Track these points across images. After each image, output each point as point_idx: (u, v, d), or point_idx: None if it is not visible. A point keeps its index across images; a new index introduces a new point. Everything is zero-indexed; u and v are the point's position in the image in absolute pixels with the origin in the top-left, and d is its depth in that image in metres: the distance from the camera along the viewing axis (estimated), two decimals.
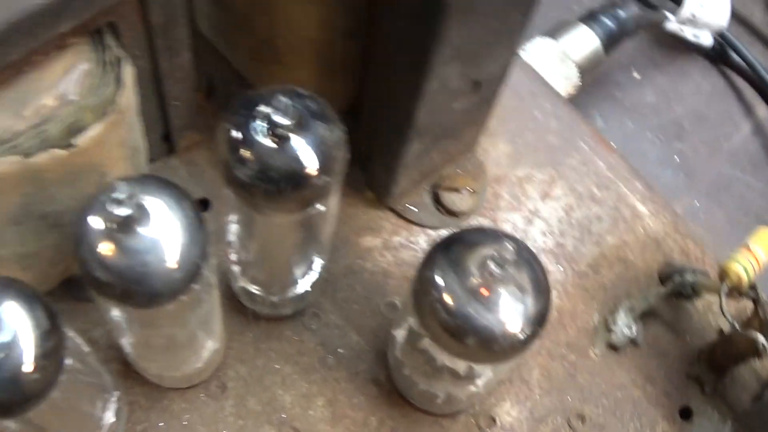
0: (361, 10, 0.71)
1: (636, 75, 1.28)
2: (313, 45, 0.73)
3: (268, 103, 0.60)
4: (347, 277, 0.84)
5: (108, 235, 0.56)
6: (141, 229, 0.56)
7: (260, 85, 0.78)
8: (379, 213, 0.87)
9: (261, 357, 0.79)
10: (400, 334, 0.74)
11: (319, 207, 0.65)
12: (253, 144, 0.59)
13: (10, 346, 0.54)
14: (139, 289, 0.56)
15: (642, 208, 0.92)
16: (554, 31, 1.14)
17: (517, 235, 0.84)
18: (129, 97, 0.66)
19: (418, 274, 0.66)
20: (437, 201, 0.87)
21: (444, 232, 0.86)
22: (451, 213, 0.86)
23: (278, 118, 0.58)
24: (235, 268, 0.76)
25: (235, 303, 0.80)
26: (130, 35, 0.69)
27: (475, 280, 0.62)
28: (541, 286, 0.64)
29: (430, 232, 0.87)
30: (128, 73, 0.66)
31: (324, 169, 0.61)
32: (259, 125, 0.59)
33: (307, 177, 0.60)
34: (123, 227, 0.55)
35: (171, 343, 0.69)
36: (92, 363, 0.68)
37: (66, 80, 0.63)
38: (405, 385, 0.77)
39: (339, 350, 0.81)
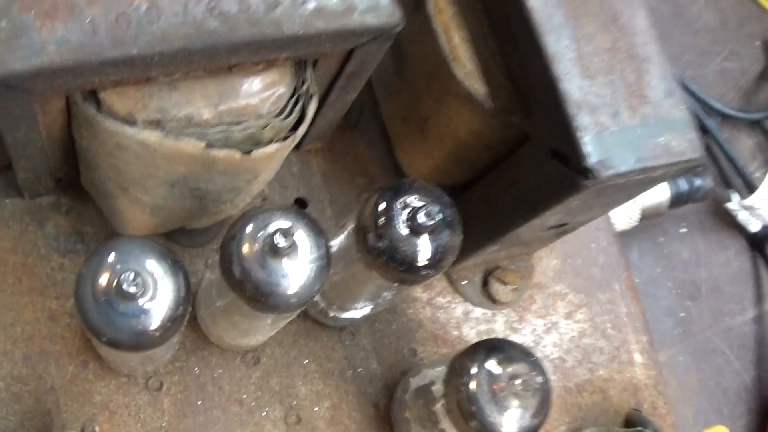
0: (509, 139, 0.84)
1: (683, 230, 1.42)
2: (457, 140, 0.85)
3: (420, 198, 0.73)
4: (389, 313, 0.97)
5: (262, 254, 0.69)
6: (286, 258, 0.70)
7: (395, 139, 0.93)
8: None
9: (296, 348, 0.93)
10: (415, 382, 0.89)
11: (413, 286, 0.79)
12: (392, 226, 0.73)
13: (151, 306, 0.67)
14: (267, 301, 0.70)
15: (638, 358, 1.07)
16: None
17: (534, 338, 1.00)
18: (305, 128, 0.79)
19: (459, 358, 0.81)
20: (485, 284, 1.01)
21: (479, 311, 1.01)
22: (491, 299, 1.01)
23: (422, 218, 0.72)
24: None
25: None
26: (324, 72, 0.80)
27: (500, 388, 0.77)
28: (545, 410, 0.80)
29: (469, 306, 1.01)
30: (312, 108, 0.78)
31: (435, 266, 0.75)
32: (404, 213, 0.73)
33: (419, 269, 0.74)
34: (276, 253, 0.69)
35: (250, 330, 0.83)
36: None
37: (264, 96, 0.74)
38: (398, 420, 0.92)
39: (358, 369, 0.94)
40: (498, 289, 0.99)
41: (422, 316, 0.98)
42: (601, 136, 0.72)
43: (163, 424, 0.88)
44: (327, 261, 0.71)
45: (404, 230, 0.72)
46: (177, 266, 0.69)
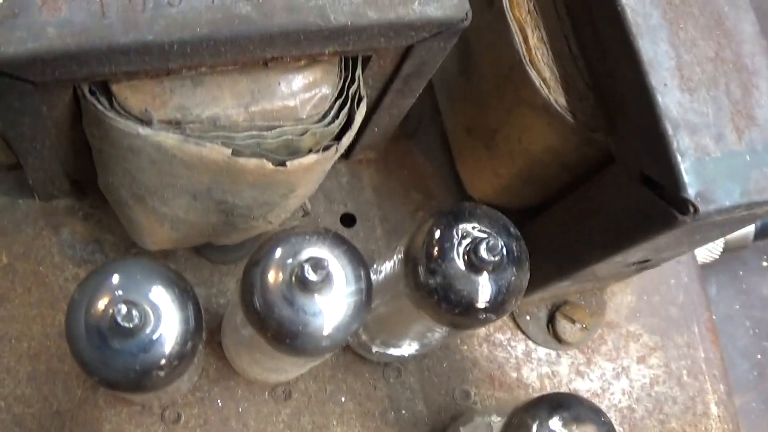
0: (588, 158, 0.69)
1: (765, 263, 1.26)
2: (530, 157, 0.72)
3: (483, 229, 0.59)
4: (441, 350, 0.83)
5: (289, 287, 0.55)
6: (317, 293, 0.56)
7: (458, 152, 0.78)
8: None
9: (333, 384, 0.80)
10: (465, 431, 0.74)
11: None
12: (448, 260, 0.59)
13: (154, 342, 0.54)
14: (293, 344, 0.56)
15: (714, 410, 0.91)
16: None
17: (602, 384, 0.85)
18: (351, 137, 0.65)
19: (518, 413, 0.66)
20: (550, 321, 0.86)
21: (542, 351, 0.86)
22: (556, 337, 0.86)
23: (484, 252, 0.57)
24: None
25: None
26: (377, 72, 0.67)
27: None
28: None
29: (531, 344, 0.86)
30: (362, 113, 0.65)
31: (494, 310, 0.60)
32: (463, 245, 0.59)
33: (477, 313, 0.59)
34: (306, 287, 0.55)
35: (279, 368, 0.69)
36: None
37: (304, 97, 0.62)
38: None
39: (402, 411, 0.81)
40: (565, 327, 0.85)
41: (478, 354, 0.84)
42: (702, 163, 0.60)
43: None
44: (367, 297, 0.57)
45: (462, 266, 0.58)
46: (185, 295, 0.57)
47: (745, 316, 1.21)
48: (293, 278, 0.55)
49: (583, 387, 0.86)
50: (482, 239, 0.57)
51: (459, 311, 0.59)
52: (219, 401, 0.77)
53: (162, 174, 0.63)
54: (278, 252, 0.57)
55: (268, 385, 0.78)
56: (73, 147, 0.68)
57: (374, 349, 0.76)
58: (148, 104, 0.59)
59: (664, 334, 0.91)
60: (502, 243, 0.58)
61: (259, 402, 0.78)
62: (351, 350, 0.80)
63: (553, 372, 0.86)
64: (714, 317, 1.00)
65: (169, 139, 0.59)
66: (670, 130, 0.59)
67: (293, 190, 0.66)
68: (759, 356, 1.20)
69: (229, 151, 0.60)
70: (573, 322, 0.86)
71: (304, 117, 0.62)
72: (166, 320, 0.55)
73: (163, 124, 0.59)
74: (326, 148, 0.63)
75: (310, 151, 0.63)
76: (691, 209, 0.58)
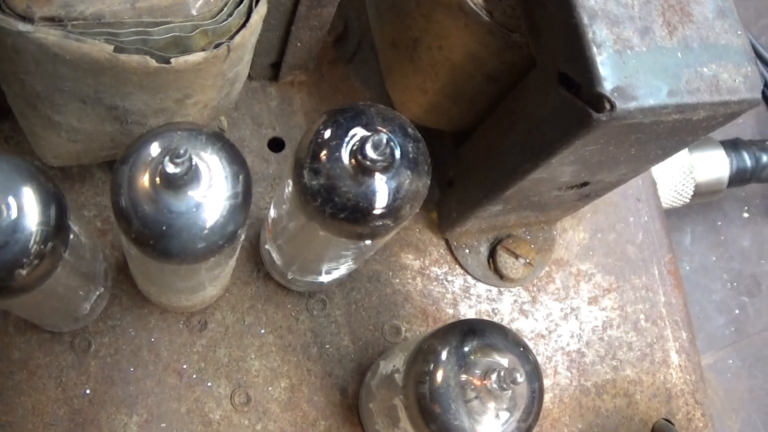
0: (511, 66, 0.63)
1: (745, 215, 1.18)
2: (452, 67, 0.66)
3: (369, 128, 0.53)
4: (370, 282, 0.78)
5: (153, 188, 0.50)
6: (188, 189, 0.51)
7: (386, 71, 0.73)
8: (433, 238, 0.80)
9: (252, 315, 0.75)
10: (384, 366, 0.69)
11: (368, 242, 0.59)
12: (334, 161, 0.53)
13: (12, 238, 0.50)
14: (169, 247, 0.51)
15: (674, 358, 0.85)
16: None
17: (548, 325, 0.79)
18: (248, 36, 0.60)
19: (427, 340, 0.61)
20: (491, 256, 0.80)
21: (482, 287, 0.80)
22: (497, 273, 0.80)
23: (370, 150, 0.52)
24: (267, 232, 0.70)
25: (254, 252, 0.75)
26: None
27: (473, 383, 0.57)
28: (530, 420, 0.59)
29: (470, 279, 0.80)
30: (260, 13, 0.60)
31: (391, 216, 0.54)
32: (350, 146, 0.53)
33: (369, 218, 0.54)
34: (171, 184, 0.50)
35: (175, 286, 0.64)
36: (89, 257, 0.63)
37: None
38: (364, 413, 0.73)
39: (326, 346, 0.76)
40: (507, 262, 0.79)
41: (411, 287, 0.78)
42: (622, 56, 0.54)
43: (87, 391, 0.72)
44: (245, 198, 0.52)
45: (348, 166, 0.52)
46: (47, 192, 0.52)
47: (722, 269, 1.14)
48: (157, 174, 0.50)
49: (527, 327, 0.80)
50: (368, 137, 0.52)
51: (345, 216, 0.53)
52: (131, 330, 0.73)
53: (48, 76, 0.58)
54: (145, 148, 0.51)
55: (183, 315, 0.73)
56: None
57: (290, 276, 0.71)
58: (31, 1, 0.54)
59: (620, 274, 0.85)
60: (391, 140, 0.52)
61: (173, 332, 0.73)
62: (273, 281, 0.75)
63: (493, 310, 0.80)
64: (687, 268, 0.95)
65: (49, 36, 0.54)
66: (585, 20, 0.53)
67: (188, 95, 0.61)
68: (737, 311, 1.13)
69: (111, 48, 0.55)
70: (516, 256, 0.80)
71: (195, 13, 0.57)
72: (24, 217, 0.50)
73: (45, 22, 0.55)
74: (217, 47, 0.58)
75: (203, 50, 0.58)
76: (607, 106, 0.52)
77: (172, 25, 0.57)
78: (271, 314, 0.75)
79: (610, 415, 0.82)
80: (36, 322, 0.71)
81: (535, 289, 0.82)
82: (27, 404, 0.70)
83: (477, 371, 0.57)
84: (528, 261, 0.80)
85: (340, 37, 0.81)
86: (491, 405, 0.57)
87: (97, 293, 0.68)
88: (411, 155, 0.54)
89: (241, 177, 0.53)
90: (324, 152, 0.54)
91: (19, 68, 0.58)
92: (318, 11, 0.68)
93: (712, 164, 1.04)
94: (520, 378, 0.55)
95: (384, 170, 0.53)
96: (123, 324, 0.73)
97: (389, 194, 0.54)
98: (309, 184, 0.54)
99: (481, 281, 0.80)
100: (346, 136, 0.53)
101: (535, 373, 0.59)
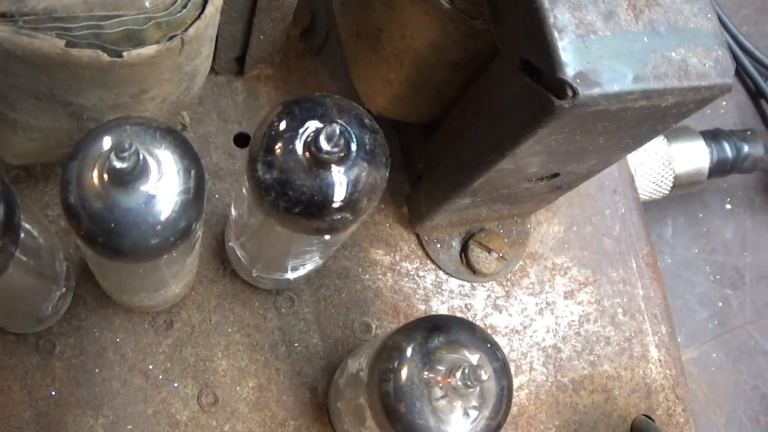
0: (475, 54, 0.62)
1: (728, 206, 1.17)
2: (416, 57, 0.65)
3: (324, 120, 0.52)
4: (339, 279, 0.76)
5: (101, 185, 0.49)
6: (137, 185, 0.49)
7: (351, 62, 0.71)
8: (403, 233, 0.79)
9: (218, 314, 0.73)
10: (352, 364, 0.67)
11: (328, 237, 0.57)
12: (287, 154, 0.52)
13: None
14: (119, 244, 0.50)
15: (654, 353, 0.83)
16: (670, 132, 1.02)
17: (522, 320, 0.78)
18: (203, 28, 0.58)
19: (392, 336, 0.59)
20: (463, 250, 0.79)
21: (455, 282, 0.79)
22: (470, 267, 0.78)
23: (322, 141, 0.50)
24: (231, 229, 0.68)
25: (220, 250, 0.74)
26: None
27: (439, 381, 0.56)
28: (498, 418, 0.58)
29: (442, 275, 0.79)
30: (216, 4, 0.58)
31: (348, 209, 0.53)
32: (305, 138, 0.52)
33: (326, 212, 0.53)
34: (118, 180, 0.48)
35: (134, 285, 0.63)
36: (47, 257, 0.62)
37: None
38: (333, 411, 0.71)
39: (295, 344, 0.74)
40: (479, 256, 0.77)
41: (382, 283, 0.77)
42: (585, 41, 0.52)
43: (53, 393, 0.71)
44: (197, 193, 0.50)
45: (302, 159, 0.50)
46: None
47: (705, 261, 1.13)
48: (105, 170, 0.49)
49: (501, 322, 0.79)
50: (322, 129, 0.50)
51: (300, 210, 0.52)
52: (96, 330, 0.71)
53: (1, 73, 0.56)
54: (93, 143, 0.50)
55: (148, 315, 0.72)
56: None
57: (255, 273, 0.69)
58: None
59: (597, 268, 0.84)
60: (346, 131, 0.51)
61: (138, 332, 0.72)
62: (239, 279, 0.74)
63: (466, 305, 0.79)
64: (669, 261, 0.94)
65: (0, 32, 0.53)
66: (546, 4, 0.51)
67: (144, 90, 0.60)
68: (720, 304, 1.12)
69: (62, 43, 0.53)
70: (489, 251, 0.78)
71: (148, 6, 0.56)
72: None
73: None
74: (171, 39, 0.56)
75: (157, 43, 0.56)
76: (569, 92, 0.51)
77: (125, 18, 0.55)
78: (238, 313, 0.74)
79: (588, 412, 0.80)
80: (1, 324, 0.69)
81: (509, 283, 0.81)
82: None
83: (442, 368, 0.56)
84: (501, 255, 0.78)
85: (307, 29, 0.79)
86: (458, 403, 0.56)
87: (59, 293, 0.67)
88: (368, 147, 0.53)
89: (192, 171, 0.51)
90: (278, 145, 0.52)
91: None
92: (279, 2, 0.66)
93: (691, 155, 1.02)
94: (485, 375, 0.54)
95: (339, 162, 0.52)
96: (88, 324, 0.71)
97: (346, 187, 0.52)
98: (263, 178, 0.52)
99: (453, 276, 0.79)
100: (300, 127, 0.52)
101: (503, 370, 0.58)
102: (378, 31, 0.66)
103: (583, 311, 0.82)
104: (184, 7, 0.57)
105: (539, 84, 0.53)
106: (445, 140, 0.69)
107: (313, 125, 0.52)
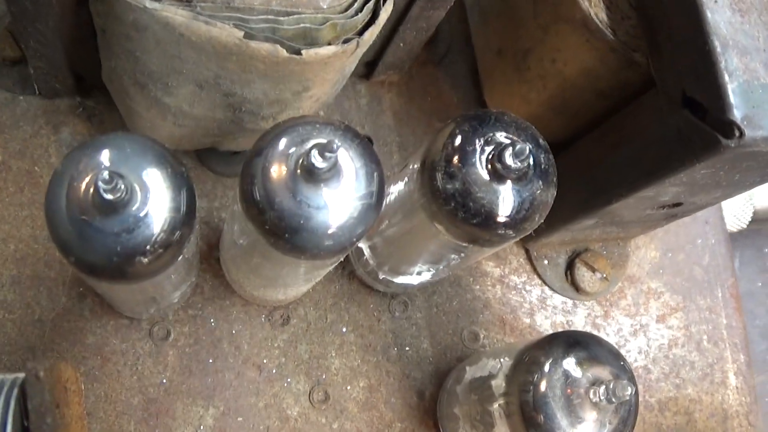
0: (626, 84, 0.62)
1: None
2: (563, 81, 0.64)
3: (509, 136, 0.52)
4: (452, 287, 0.76)
5: (293, 176, 0.48)
6: (328, 185, 0.49)
7: (486, 77, 0.71)
8: (514, 247, 0.79)
9: (335, 313, 0.73)
10: (471, 372, 0.67)
11: (485, 248, 0.57)
12: (469, 165, 0.51)
13: (140, 223, 0.47)
14: (303, 241, 0.49)
15: (732, 380, 0.84)
16: None
17: (617, 340, 0.78)
18: (376, 33, 0.58)
19: (530, 350, 0.59)
20: (569, 268, 0.79)
21: (559, 298, 0.79)
22: (574, 285, 0.78)
23: (509, 158, 0.50)
24: None
25: None
26: None
27: (577, 394, 0.56)
28: (626, 428, 0.58)
29: (547, 290, 0.79)
30: (388, 10, 0.58)
31: (517, 225, 0.53)
32: (487, 150, 0.51)
33: (497, 226, 0.52)
34: (313, 178, 0.48)
35: (278, 281, 0.62)
36: (193, 244, 0.61)
37: None
38: (446, 416, 0.71)
39: (406, 348, 0.74)
40: (584, 275, 0.77)
41: (490, 295, 0.76)
42: (750, 86, 0.53)
43: (164, 381, 0.70)
44: (378, 199, 0.50)
45: (484, 172, 0.50)
46: (180, 177, 0.50)
47: (767, 295, 1.13)
48: (298, 166, 0.48)
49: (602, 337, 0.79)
50: (508, 144, 0.50)
51: (477, 222, 0.52)
52: (212, 321, 0.70)
53: (167, 56, 0.56)
54: (284, 139, 0.49)
55: (265, 309, 0.71)
56: (77, 31, 0.61)
57: (381, 276, 0.69)
58: None
59: (687, 294, 0.84)
60: (530, 150, 0.51)
61: (254, 325, 0.71)
62: (357, 279, 0.73)
63: (567, 322, 0.79)
64: None
65: (177, 15, 0.52)
66: (718, 48, 0.52)
67: (307, 88, 0.59)
68: None
69: (240, 34, 0.53)
70: (593, 270, 0.78)
71: (325, 6, 0.55)
72: (154, 200, 0.48)
73: (172, 0, 0.52)
74: (346, 42, 0.56)
75: (329, 44, 0.56)
76: (737, 133, 0.51)
77: (303, 16, 0.55)
78: (353, 313, 0.73)
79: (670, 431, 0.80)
80: (115, 307, 0.68)
81: (607, 303, 0.81)
82: (99, 391, 0.68)
83: (582, 382, 0.56)
84: (604, 276, 0.78)
85: (430, 39, 0.79)
86: (592, 415, 0.56)
87: (189, 282, 0.66)
88: (543, 165, 0.53)
89: (375, 175, 0.51)
90: (459, 156, 0.52)
91: (138, 47, 0.56)
92: (429, 13, 0.66)
93: None
94: (631, 390, 0.54)
95: (518, 179, 0.51)
96: (204, 314, 0.70)
97: (521, 203, 0.52)
98: (443, 187, 0.52)
99: (557, 293, 0.79)
100: (482, 142, 0.52)
101: (635, 385, 0.58)
102: (526, 51, 0.66)
103: (672, 335, 0.82)
104: (359, 11, 0.56)
105: (703, 121, 0.53)
106: (578, 162, 0.69)
107: (496, 140, 0.52)
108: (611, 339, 0.80)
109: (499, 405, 0.60)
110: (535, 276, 0.79)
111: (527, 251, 0.79)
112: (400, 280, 0.69)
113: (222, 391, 0.70)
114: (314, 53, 0.55)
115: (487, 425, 0.62)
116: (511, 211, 0.52)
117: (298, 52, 0.54)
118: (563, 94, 0.65)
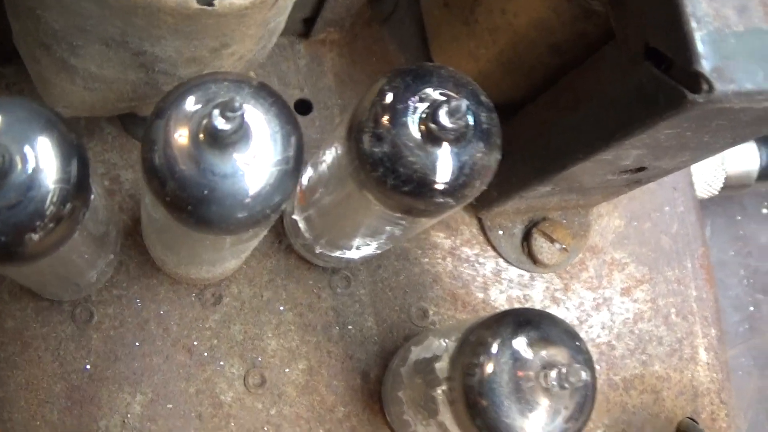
0: (582, 38, 0.55)
1: (765, 210, 1.12)
2: (514, 35, 0.58)
3: (444, 92, 0.45)
4: (398, 260, 0.70)
5: (195, 141, 0.42)
6: (236, 150, 0.42)
7: (433, 33, 0.65)
8: (465, 216, 0.73)
9: (271, 290, 0.67)
10: (416, 352, 0.61)
11: (424, 219, 0.51)
12: (400, 127, 0.45)
13: (25, 196, 0.41)
14: (208, 214, 0.43)
15: (703, 356, 0.78)
16: None
17: (579, 315, 0.72)
18: None
19: (476, 329, 0.53)
20: (526, 239, 0.72)
21: (515, 271, 0.73)
22: (531, 257, 0.72)
23: (444, 117, 0.44)
24: (299, 201, 0.61)
25: (278, 222, 0.67)
26: None
27: (527, 378, 0.50)
28: (583, 417, 0.52)
29: (503, 263, 0.73)
30: None
31: (456, 193, 0.46)
32: (419, 110, 0.45)
33: (433, 194, 0.46)
34: (217, 143, 0.41)
35: (197, 257, 0.56)
36: (102, 219, 0.54)
37: None
38: (390, 400, 0.65)
39: (348, 326, 0.68)
40: (542, 246, 0.71)
41: (441, 268, 0.70)
42: (721, 35, 0.46)
43: (87, 366, 0.64)
44: (296, 165, 0.43)
45: (416, 133, 0.43)
46: (70, 145, 0.43)
47: (740, 265, 1.08)
48: (201, 129, 0.41)
49: (558, 316, 0.73)
50: (443, 102, 0.44)
51: (409, 189, 0.45)
52: (138, 301, 0.64)
53: (69, 13, 0.50)
54: (186, 99, 0.43)
55: (195, 287, 0.65)
56: None
57: (318, 250, 0.62)
58: None
59: (654, 266, 0.78)
60: (468, 107, 0.44)
61: (184, 305, 0.65)
62: (295, 253, 0.67)
63: (525, 296, 0.73)
64: None
65: None
66: None
67: (226, 44, 0.52)
68: (752, 308, 1.07)
69: None
70: (552, 241, 0.72)
71: None
72: (39, 171, 0.42)
73: None
74: None
75: None
76: (705, 86, 0.45)
77: None
78: (291, 290, 0.67)
79: (637, 412, 0.75)
80: (34, 289, 0.62)
81: (568, 276, 0.75)
82: (20, 378, 0.63)
83: (532, 366, 0.50)
84: (564, 246, 0.72)
85: None
86: (543, 402, 0.50)
87: (107, 260, 0.59)
88: (484, 126, 0.46)
89: (293, 139, 0.44)
90: (388, 116, 0.45)
91: (37, 3, 0.50)
92: None
93: (743, 157, 0.97)
94: (586, 377, 0.48)
95: (455, 141, 0.45)
96: (129, 294, 0.64)
97: (459, 168, 0.46)
98: (369, 151, 0.45)
99: (513, 265, 0.73)
100: (415, 99, 0.45)
101: (592, 369, 0.52)
102: (473, 2, 0.59)
103: (638, 309, 0.76)
104: None
105: (668, 75, 0.47)
106: (530, 125, 0.63)
107: (431, 97, 0.45)
108: (572, 314, 0.74)
109: (442, 390, 0.54)
110: (489, 247, 0.73)
111: (480, 221, 0.72)
112: (339, 254, 0.62)
113: (150, 376, 0.64)
114: (228, 4, 0.48)
115: (431, 411, 0.56)
116: (448, 177, 0.46)
117: (210, 3, 0.48)
118: (514, 49, 0.59)
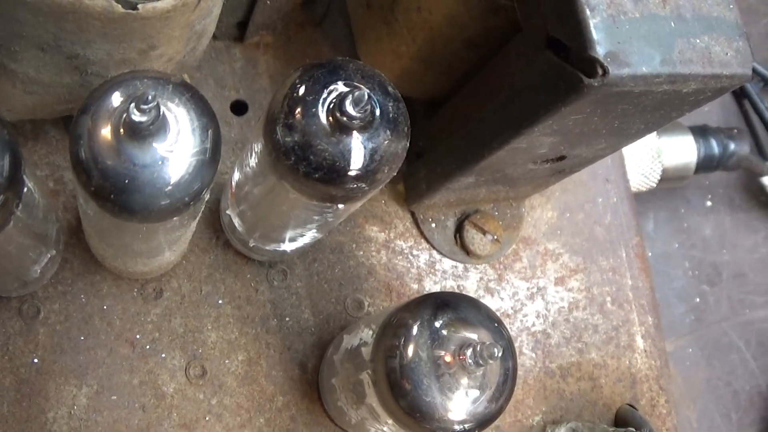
0: (493, 32, 0.61)
1: (708, 203, 1.17)
2: (431, 31, 0.63)
3: (349, 83, 0.50)
4: (333, 254, 0.75)
5: (116, 139, 0.46)
6: (154, 141, 0.47)
7: (358, 34, 0.69)
8: (399, 210, 0.77)
9: (209, 284, 0.71)
10: (347, 341, 0.66)
11: (341, 206, 0.55)
12: (309, 117, 0.50)
13: None
14: (130, 202, 0.47)
15: (640, 343, 0.83)
16: None
17: (513, 304, 0.77)
18: None
19: (397, 313, 0.58)
20: (458, 231, 0.77)
21: (448, 263, 0.78)
22: (464, 248, 0.77)
23: (350, 107, 0.49)
24: (230, 196, 0.66)
25: (214, 219, 0.72)
26: None
27: (447, 359, 0.54)
28: (504, 396, 0.57)
29: (435, 255, 0.78)
30: None
31: (367, 178, 0.51)
32: (328, 101, 0.50)
33: (345, 179, 0.51)
34: (135, 134, 0.46)
35: (134, 249, 0.60)
36: (41, 215, 0.59)
37: None
38: (326, 388, 0.69)
39: (286, 318, 0.72)
40: (474, 237, 0.76)
41: (375, 261, 0.75)
42: (615, 21, 0.51)
43: (35, 360, 0.68)
44: (213, 155, 0.48)
45: (325, 123, 0.48)
46: (1, 141, 0.47)
47: (684, 257, 1.13)
48: (121, 124, 0.46)
49: (492, 305, 0.78)
50: (348, 92, 0.49)
51: (320, 176, 0.50)
52: (82, 296, 0.69)
53: (6, 19, 0.54)
54: (108, 95, 0.48)
55: (137, 282, 0.69)
56: None
57: (252, 244, 0.67)
58: None
59: (588, 255, 0.83)
60: (372, 97, 0.49)
61: (126, 300, 0.69)
62: (232, 248, 0.72)
63: (459, 286, 0.78)
64: (649, 254, 0.93)
65: None
66: None
67: (153, 46, 0.57)
68: (697, 299, 1.12)
69: None
70: (483, 232, 0.77)
71: None
72: None
73: None
74: None
75: None
76: (600, 71, 0.50)
77: None
78: (229, 284, 0.71)
79: (575, 399, 0.79)
80: None
81: (501, 267, 0.80)
82: None
83: (451, 346, 0.55)
84: (495, 237, 0.77)
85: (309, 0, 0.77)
86: (464, 381, 0.55)
87: (49, 256, 0.64)
88: (391, 115, 0.51)
89: (210, 131, 0.49)
90: (299, 108, 0.50)
91: None
92: None
93: (680, 149, 1.02)
94: (498, 353, 0.53)
95: (362, 129, 0.50)
96: (74, 290, 0.69)
97: (367, 155, 0.50)
98: (282, 141, 0.50)
99: (447, 257, 0.78)
100: (323, 91, 0.50)
101: (509, 351, 0.57)
102: (392, 2, 0.64)
103: (572, 298, 0.81)
104: None
105: (566, 61, 0.52)
106: (452, 118, 0.68)
107: (338, 89, 0.50)
108: (506, 303, 0.79)
109: (367, 373, 0.58)
110: (423, 240, 0.77)
111: (413, 214, 0.77)
112: (272, 247, 0.67)
113: (95, 369, 0.68)
114: (151, 7, 0.53)
115: (359, 395, 0.61)
116: (358, 164, 0.50)
117: (134, 7, 0.52)
118: (432, 45, 0.64)
